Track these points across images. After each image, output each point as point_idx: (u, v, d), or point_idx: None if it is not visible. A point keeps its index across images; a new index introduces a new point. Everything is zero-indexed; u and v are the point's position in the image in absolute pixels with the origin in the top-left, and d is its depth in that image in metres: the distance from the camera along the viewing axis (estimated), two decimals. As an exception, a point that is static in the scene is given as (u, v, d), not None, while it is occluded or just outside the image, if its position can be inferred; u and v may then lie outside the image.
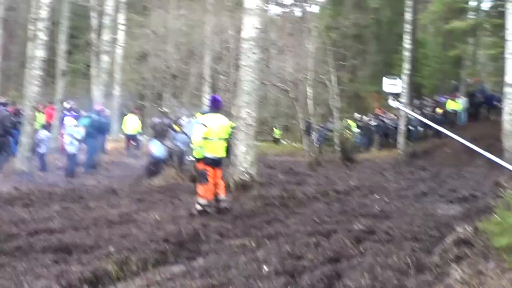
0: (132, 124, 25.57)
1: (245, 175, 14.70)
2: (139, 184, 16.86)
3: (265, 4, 15.36)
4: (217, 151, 11.59)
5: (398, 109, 8.43)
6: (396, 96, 7.59)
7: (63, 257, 7.37)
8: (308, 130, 32.72)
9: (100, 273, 6.62)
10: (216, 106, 12.10)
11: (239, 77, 15.50)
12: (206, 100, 27.63)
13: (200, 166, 11.68)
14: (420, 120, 33.25)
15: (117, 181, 17.34)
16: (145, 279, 6.91)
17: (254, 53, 14.88)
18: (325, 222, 10.27)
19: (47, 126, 21.22)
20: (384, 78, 8.69)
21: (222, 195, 11.81)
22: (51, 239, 8.27)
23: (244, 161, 14.77)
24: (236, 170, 14.73)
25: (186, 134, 17.51)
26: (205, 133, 11.44)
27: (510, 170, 5.81)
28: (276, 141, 44.34)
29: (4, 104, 19.87)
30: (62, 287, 6.08)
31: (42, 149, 17.95)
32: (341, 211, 11.98)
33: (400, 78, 32.61)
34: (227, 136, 11.99)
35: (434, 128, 34.33)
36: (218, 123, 11.70)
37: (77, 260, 7.16)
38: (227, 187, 14.23)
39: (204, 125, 11.56)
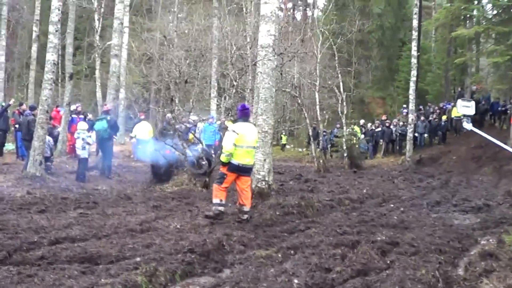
0: (145, 129, 25.57)
1: (263, 182, 14.65)
2: (152, 189, 16.81)
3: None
4: (245, 159, 11.57)
5: (472, 131, 8.26)
6: (469, 117, 7.54)
7: (90, 268, 7.27)
8: (314, 136, 32.66)
9: (130, 285, 6.54)
10: (245, 114, 12.08)
11: (256, 84, 15.46)
12: (214, 104, 27.68)
13: (223, 169, 11.66)
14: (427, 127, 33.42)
15: (129, 186, 17.31)
16: (175, 292, 6.89)
17: (270, 60, 14.84)
18: (347, 233, 10.23)
19: (52, 129, 21.07)
20: (458, 101, 8.67)
21: (247, 206, 11.75)
22: (75, 249, 8.16)
23: (261, 169, 14.72)
24: (253, 178, 14.67)
25: (199, 140, 17.65)
26: (236, 140, 11.43)
27: None
28: (283, 147, 44.30)
29: (32, 108, 19.82)
30: (94, 300, 6.02)
31: (46, 153, 17.80)
32: (360, 220, 11.97)
33: (408, 85, 32.80)
34: (255, 145, 12.01)
35: (440, 135, 34.51)
36: (249, 131, 11.72)
37: (105, 271, 7.07)
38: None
39: (235, 132, 11.52)
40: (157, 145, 18.95)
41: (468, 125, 7.26)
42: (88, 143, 17.97)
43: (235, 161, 11.48)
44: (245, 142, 11.52)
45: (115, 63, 21.99)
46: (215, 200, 11.53)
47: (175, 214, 12.45)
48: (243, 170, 11.65)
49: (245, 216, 11.63)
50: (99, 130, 19.43)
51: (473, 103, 8.47)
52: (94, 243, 8.77)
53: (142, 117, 26.78)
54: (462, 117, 7.67)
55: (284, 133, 40.52)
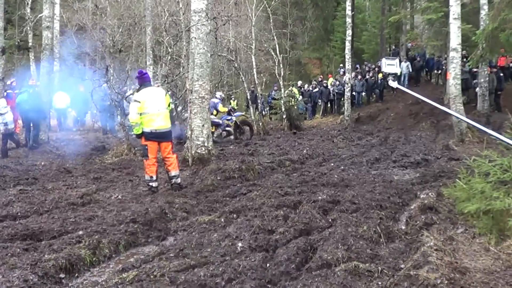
0: (61, 99, 25.53)
1: (202, 148, 14.61)
2: (92, 161, 16.64)
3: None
4: (155, 123, 11.33)
5: (397, 89, 8.26)
6: (395, 75, 7.58)
7: (33, 245, 7.16)
8: (253, 99, 32.67)
9: (74, 259, 6.49)
10: (144, 80, 11.80)
11: (190, 50, 15.33)
12: (150, 72, 27.46)
13: (142, 141, 11.50)
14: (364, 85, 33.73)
15: (68, 160, 17.06)
16: (119, 263, 6.86)
17: (204, 25, 14.73)
18: (288, 194, 10.27)
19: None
20: (383, 59, 8.69)
21: (172, 171, 11.68)
22: (16, 226, 8.03)
23: (200, 135, 14.66)
24: (192, 144, 14.62)
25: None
26: (139, 108, 11.24)
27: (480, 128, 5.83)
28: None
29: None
30: (39, 277, 5.94)
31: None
32: (301, 181, 12.03)
33: (344, 45, 33.03)
34: (166, 107, 11.63)
35: (377, 93, 34.88)
36: (151, 96, 11.43)
37: (48, 247, 6.97)
38: (185, 161, 14.18)
39: (137, 101, 11.35)
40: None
41: (393, 83, 7.32)
42: (6, 121, 17.68)
43: (146, 128, 11.29)
44: (149, 108, 11.29)
45: (48, 35, 21.45)
46: (146, 177, 11.51)
47: (116, 185, 12.39)
48: (159, 136, 11.44)
49: (175, 181, 11.67)
50: (19, 102, 19.25)
51: (397, 61, 8.50)
52: (36, 219, 8.65)
53: (82, 89, 26.46)
54: (387, 75, 7.73)
55: (233, 98, 40.29)
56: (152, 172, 11.38)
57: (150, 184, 11.40)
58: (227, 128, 23.64)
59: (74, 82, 26.74)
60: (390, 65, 8.05)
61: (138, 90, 11.90)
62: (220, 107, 23.93)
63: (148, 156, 11.37)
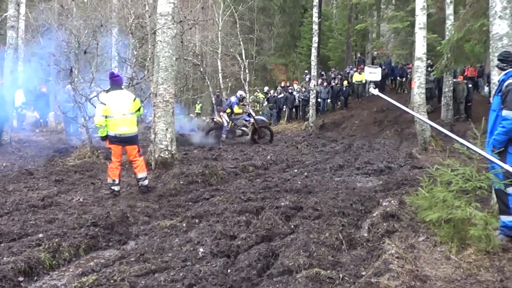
0: (18, 97, 25.44)
1: (165, 152, 14.54)
2: (54, 163, 16.44)
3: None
4: (120, 128, 11.26)
5: (378, 96, 8.33)
6: (376, 83, 7.64)
7: (-8, 247, 7.09)
8: (218, 104, 32.65)
9: (33, 262, 6.40)
10: (114, 82, 11.66)
11: (156, 53, 15.25)
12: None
13: (107, 144, 11.41)
14: (330, 93, 33.86)
15: (30, 161, 16.84)
16: (79, 266, 6.78)
17: (170, 28, 14.68)
18: (251, 199, 10.28)
19: None
20: (365, 68, 8.77)
21: (139, 173, 11.61)
22: (-25, 228, 7.95)
23: (164, 139, 14.59)
24: (156, 148, 14.54)
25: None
26: (104, 111, 11.17)
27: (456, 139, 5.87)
28: (198, 116, 43.96)
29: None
30: (-4, 279, 5.86)
31: None
32: (264, 187, 12.02)
33: (310, 51, 33.16)
34: (133, 112, 11.54)
35: (342, 100, 35.07)
36: (120, 99, 11.37)
37: (7, 250, 6.87)
38: (148, 165, 14.10)
39: (103, 103, 11.29)
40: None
41: (374, 91, 7.34)
42: None
43: (111, 132, 11.24)
44: (114, 112, 11.22)
45: (12, 35, 21.23)
46: (108, 180, 11.43)
47: (77, 188, 12.23)
48: (123, 140, 11.37)
49: (143, 183, 11.61)
50: None
51: (379, 70, 8.64)
52: (-5, 221, 8.54)
53: (44, 89, 26.24)
54: (369, 82, 7.78)
55: (198, 102, 40.19)
56: (114, 176, 11.28)
57: (112, 187, 11.29)
58: (243, 128, 24.02)
59: (37, 82, 26.58)
60: (372, 73, 8.18)
61: (107, 91, 11.81)
62: (236, 108, 24.28)
63: (111, 159, 11.28)
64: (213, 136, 24.37)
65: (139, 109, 11.85)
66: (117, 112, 11.22)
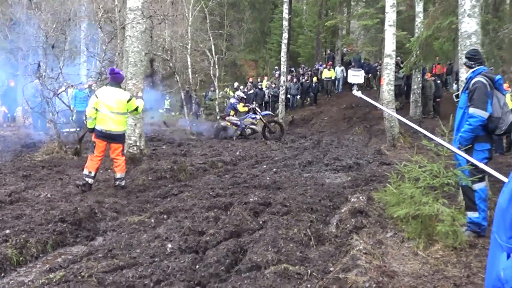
0: None
1: (134, 148, 14.47)
2: (21, 158, 16.26)
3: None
4: (107, 124, 11.21)
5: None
6: (359, 86, 7.71)
7: (-43, 243, 6.98)
8: (187, 100, 32.53)
9: (0, 258, 6.33)
10: (112, 78, 11.63)
11: (125, 48, 15.15)
12: (84, 69, 27.06)
13: (93, 137, 11.38)
14: (295, 89, 33.92)
15: (-3, 156, 16.67)
16: (46, 262, 6.71)
17: (139, 23, 14.59)
18: (220, 195, 10.26)
19: None
20: (349, 71, 8.84)
21: (118, 173, 11.54)
22: None
23: (132, 134, 14.52)
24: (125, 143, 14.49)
25: (68, 106, 17.63)
26: (95, 103, 11.18)
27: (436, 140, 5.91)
28: (167, 111, 43.68)
29: None
30: (-38, 276, 5.78)
31: None
32: (233, 182, 12.01)
33: (280, 47, 33.19)
34: (123, 112, 11.47)
35: (312, 96, 35.18)
36: (112, 97, 11.31)
37: (-28, 246, 6.80)
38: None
39: (96, 95, 11.32)
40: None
41: (357, 93, 7.39)
42: None
43: (98, 126, 11.22)
44: (104, 107, 11.20)
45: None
46: (85, 171, 11.31)
47: (45, 183, 12.06)
48: (108, 137, 11.32)
49: (117, 183, 11.49)
50: None
51: (362, 72, 8.67)
52: (-40, 217, 8.42)
53: (12, 84, 25.95)
54: (352, 85, 7.87)
55: (167, 98, 39.98)
56: (92, 168, 11.21)
57: (86, 179, 11.20)
58: (252, 126, 24.22)
59: (5, 77, 26.28)
60: (355, 76, 8.26)
61: (106, 85, 11.81)
62: (240, 107, 24.84)
63: (93, 152, 11.26)
64: (223, 137, 24.36)
65: (136, 109, 11.77)
66: (105, 108, 11.20)
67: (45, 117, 17.76)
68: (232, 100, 25.20)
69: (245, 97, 27.73)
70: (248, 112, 24.39)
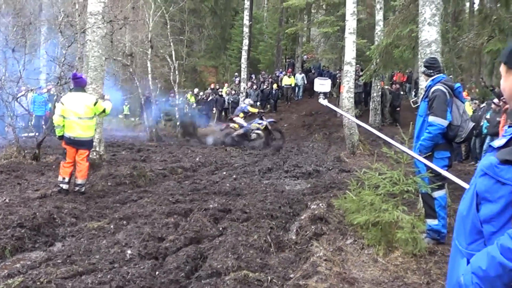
0: None
1: (93, 153, 14.34)
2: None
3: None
4: (75, 131, 11.11)
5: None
6: (325, 94, 7.73)
7: None
8: (147, 105, 32.38)
9: (-46, 264, 6.23)
10: (76, 83, 11.51)
11: (85, 52, 15.05)
12: (44, 74, 26.81)
13: (63, 144, 11.30)
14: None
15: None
16: (5, 268, 6.59)
17: (99, 27, 14.50)
18: (180, 201, 10.24)
19: None
20: (316, 80, 8.87)
21: (80, 179, 11.38)
22: None
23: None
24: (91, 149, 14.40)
25: (27, 111, 17.46)
26: (62, 111, 11.08)
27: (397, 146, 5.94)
28: (126, 117, 43.35)
29: None
30: None
31: None
32: (192, 189, 11.98)
33: (240, 54, 33.23)
34: (90, 116, 11.34)
35: (272, 103, 35.27)
36: (78, 102, 11.19)
37: None
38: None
39: (61, 102, 11.21)
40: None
41: (324, 101, 7.43)
42: None
43: (66, 133, 11.12)
44: (70, 114, 11.09)
45: None
46: (59, 178, 11.27)
47: (3, 188, 11.87)
48: (78, 144, 11.22)
49: (76, 188, 11.34)
50: None
51: (328, 81, 8.74)
52: None
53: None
54: (319, 94, 7.90)
55: (126, 104, 39.70)
56: (65, 174, 11.15)
57: (61, 185, 11.15)
58: (257, 131, 24.18)
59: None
60: (322, 85, 8.31)
61: (70, 91, 11.69)
62: (250, 108, 25.68)
63: (65, 159, 11.21)
64: (230, 141, 24.36)
65: (104, 111, 11.70)
66: (72, 114, 11.09)
67: (3, 121, 17.52)
68: (243, 105, 26.20)
69: (253, 104, 28.42)
70: (260, 118, 24.56)
